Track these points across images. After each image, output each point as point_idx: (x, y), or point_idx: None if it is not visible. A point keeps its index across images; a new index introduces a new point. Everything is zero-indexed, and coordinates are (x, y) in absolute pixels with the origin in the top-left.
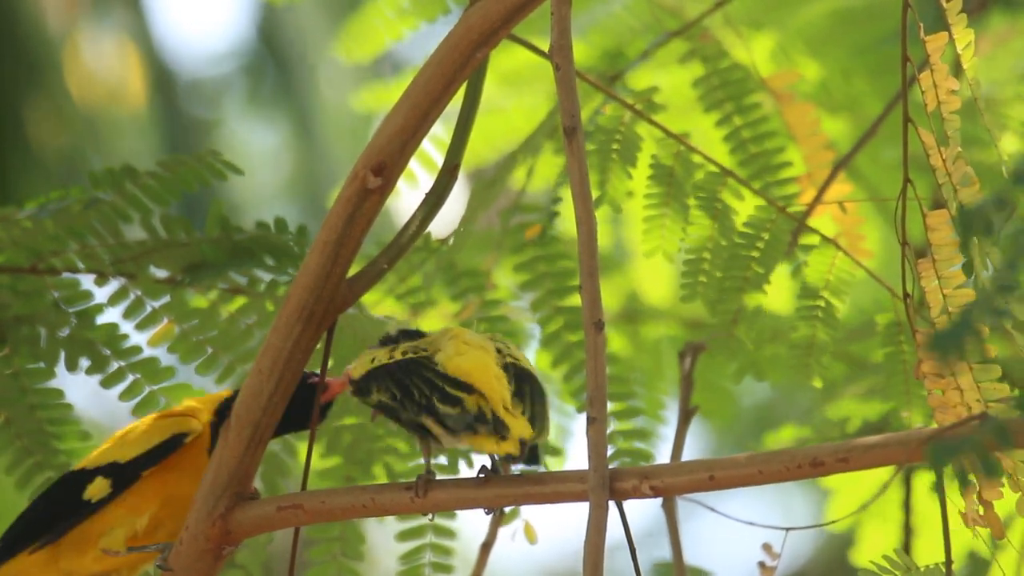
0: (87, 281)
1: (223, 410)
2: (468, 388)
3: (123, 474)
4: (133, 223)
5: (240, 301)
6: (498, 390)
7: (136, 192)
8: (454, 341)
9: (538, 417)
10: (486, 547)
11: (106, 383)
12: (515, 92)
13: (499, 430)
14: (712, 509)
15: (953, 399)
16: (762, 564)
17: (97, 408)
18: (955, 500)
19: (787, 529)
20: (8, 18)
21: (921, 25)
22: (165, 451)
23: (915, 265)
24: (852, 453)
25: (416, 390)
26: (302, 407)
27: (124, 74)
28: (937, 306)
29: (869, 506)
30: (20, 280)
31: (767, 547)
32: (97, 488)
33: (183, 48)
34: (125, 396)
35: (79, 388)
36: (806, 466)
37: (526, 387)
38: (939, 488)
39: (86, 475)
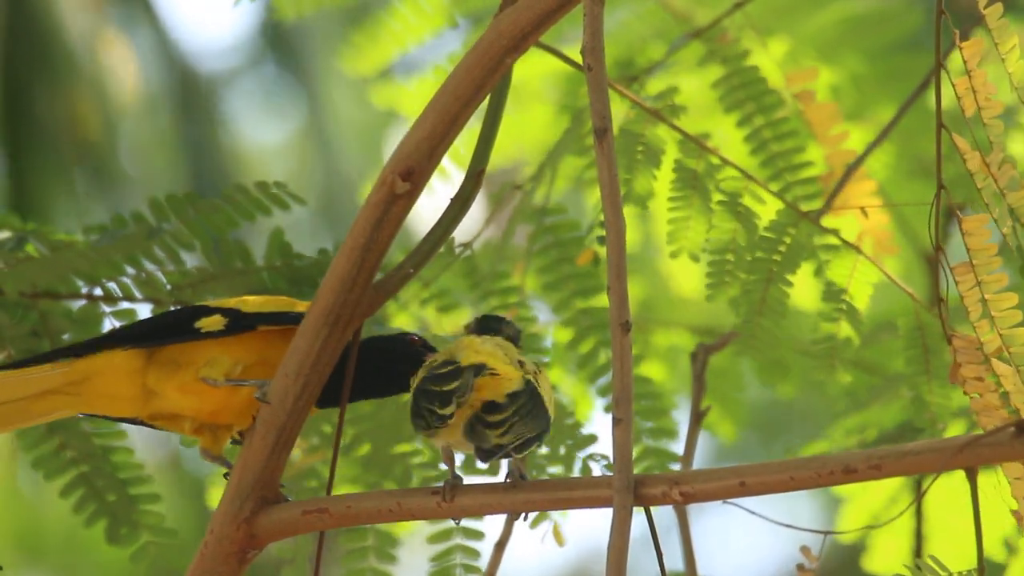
0: (144, 310)
1: None
2: (459, 372)
3: (241, 320)
4: (195, 251)
5: None
6: (503, 368)
7: (197, 220)
8: (467, 350)
9: (518, 427)
10: (500, 546)
11: None
12: (521, 98)
13: (487, 371)
14: (751, 512)
15: (993, 402)
16: (800, 567)
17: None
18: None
19: (825, 533)
20: (26, 15)
21: (956, 32)
22: (284, 319)
23: (950, 270)
24: (885, 460)
25: (427, 408)
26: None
27: (139, 69)
28: (976, 312)
29: (886, 513)
30: (76, 307)
31: (805, 550)
32: (212, 322)
33: (196, 43)
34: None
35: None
36: (838, 473)
37: (531, 400)
38: (973, 494)
39: (205, 309)
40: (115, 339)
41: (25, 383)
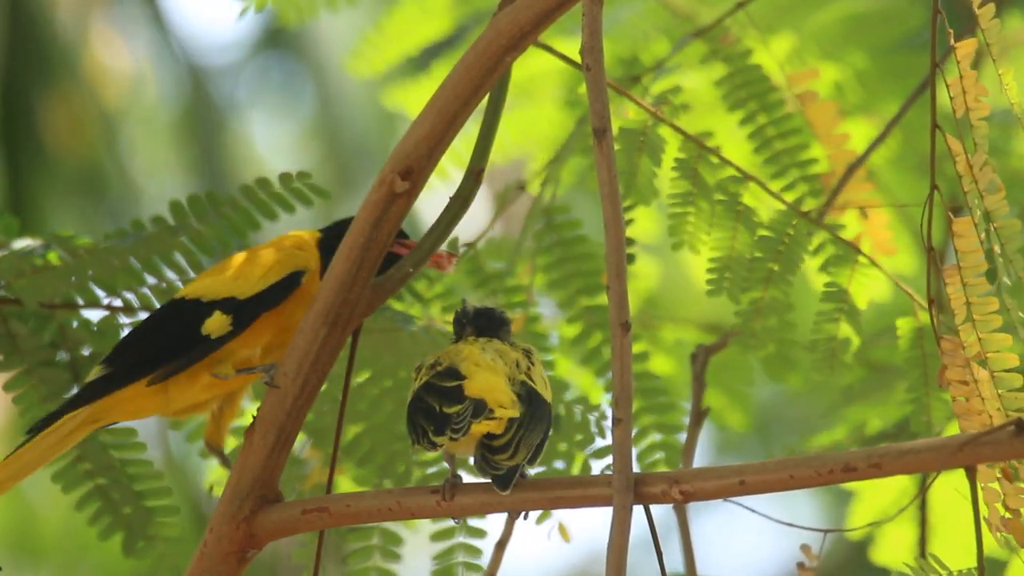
0: None
1: (325, 242)
2: (462, 397)
3: (243, 312)
4: (214, 256)
5: None
6: (497, 397)
7: (218, 221)
8: (466, 363)
9: (526, 441)
10: (501, 545)
11: (176, 425)
12: (520, 99)
13: (487, 413)
14: (751, 510)
15: (977, 406)
16: (801, 565)
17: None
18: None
19: (825, 531)
20: (22, 16)
21: (951, 32)
22: (284, 291)
23: (941, 271)
24: (885, 459)
25: (422, 427)
26: None
27: (140, 67)
28: (962, 314)
29: (893, 510)
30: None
31: (806, 548)
32: (216, 324)
33: (199, 38)
34: (195, 437)
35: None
36: (838, 471)
37: (530, 408)
38: (972, 493)
39: (202, 308)
40: (135, 370)
41: (55, 434)
